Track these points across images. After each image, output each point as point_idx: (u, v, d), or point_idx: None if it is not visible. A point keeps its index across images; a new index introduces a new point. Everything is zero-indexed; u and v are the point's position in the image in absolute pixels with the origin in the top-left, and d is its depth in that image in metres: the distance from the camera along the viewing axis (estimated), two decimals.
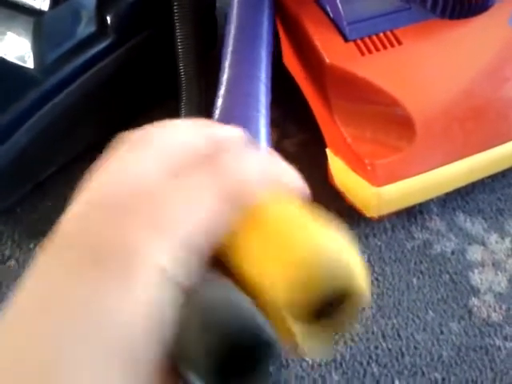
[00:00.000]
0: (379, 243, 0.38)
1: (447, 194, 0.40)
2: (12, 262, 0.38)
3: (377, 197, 0.35)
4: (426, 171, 0.35)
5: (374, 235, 0.39)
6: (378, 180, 0.35)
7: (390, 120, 0.35)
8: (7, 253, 0.38)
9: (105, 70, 0.40)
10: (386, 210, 0.36)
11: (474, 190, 0.41)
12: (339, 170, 0.38)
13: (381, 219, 0.38)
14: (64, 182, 0.42)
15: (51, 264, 0.15)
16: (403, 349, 0.33)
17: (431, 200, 0.40)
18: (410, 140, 0.34)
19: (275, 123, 0.46)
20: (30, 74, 0.37)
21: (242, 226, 0.17)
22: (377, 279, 0.37)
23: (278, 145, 0.45)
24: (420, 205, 0.40)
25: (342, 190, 0.39)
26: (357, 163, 0.35)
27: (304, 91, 0.39)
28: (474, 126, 0.36)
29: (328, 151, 0.38)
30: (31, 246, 0.39)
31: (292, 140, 0.45)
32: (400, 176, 0.35)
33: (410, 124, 0.34)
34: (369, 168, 0.34)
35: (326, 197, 0.41)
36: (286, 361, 0.33)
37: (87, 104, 0.39)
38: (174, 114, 0.45)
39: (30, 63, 0.37)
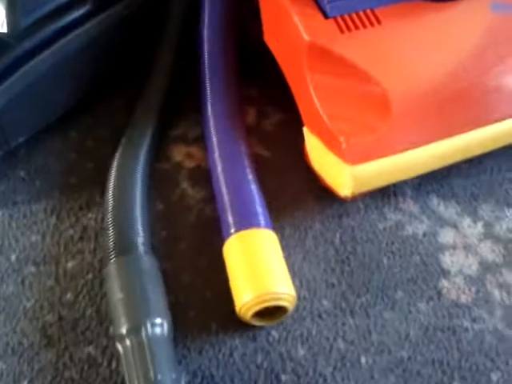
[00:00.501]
0: (352, 223, 0.38)
1: (422, 178, 0.40)
2: None
3: (351, 175, 0.35)
4: (401, 151, 0.35)
5: (348, 215, 0.39)
6: (352, 158, 0.34)
7: (367, 99, 0.35)
8: None
9: (82, 38, 0.39)
10: (360, 188, 0.36)
11: (450, 175, 0.41)
12: (315, 149, 0.38)
13: (354, 199, 0.38)
14: (37, 150, 0.42)
15: None
16: (371, 326, 0.33)
17: (405, 182, 0.40)
18: (386, 119, 0.34)
19: (253, 103, 0.46)
20: (3, 38, 0.36)
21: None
22: (347, 258, 0.36)
23: (257, 125, 0.44)
24: (394, 186, 0.40)
25: (317, 170, 0.39)
26: (332, 141, 0.35)
27: (283, 68, 0.38)
28: (452, 108, 0.36)
29: (304, 130, 0.38)
30: (0, 213, 0.38)
31: (270, 120, 0.45)
32: (375, 155, 0.35)
33: (386, 103, 0.34)
34: (343, 146, 0.34)
35: (303, 178, 0.41)
36: (253, 335, 0.33)
37: (62, 71, 0.39)
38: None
39: (3, 28, 0.36)
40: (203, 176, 0.41)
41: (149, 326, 0.29)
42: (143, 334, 0.29)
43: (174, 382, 0.28)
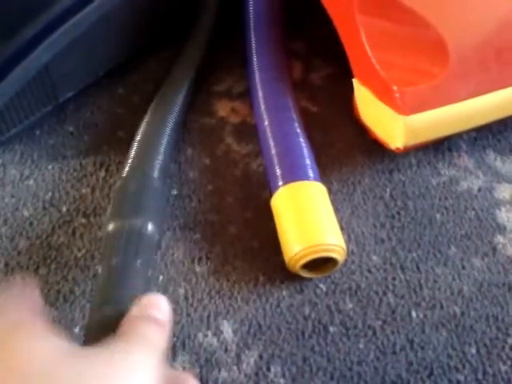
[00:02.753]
0: (403, 178, 0.37)
1: (478, 132, 0.39)
2: (30, 182, 0.38)
3: (404, 126, 0.33)
4: (457, 101, 0.33)
5: (399, 170, 0.37)
6: (405, 108, 0.33)
7: (422, 46, 0.33)
8: (26, 172, 0.38)
9: None
10: (413, 140, 0.35)
11: (507, 129, 0.39)
12: (365, 101, 0.36)
13: (406, 152, 0.37)
14: (85, 106, 0.42)
15: None
16: (422, 281, 0.32)
17: (460, 137, 0.38)
18: (443, 66, 0.33)
19: (300, 57, 0.45)
20: None
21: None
22: (398, 213, 0.35)
23: (304, 78, 0.43)
24: (448, 141, 0.38)
25: (366, 123, 0.38)
26: (384, 91, 0.34)
27: (332, 15, 0.37)
28: (511, 56, 0.34)
29: (354, 81, 0.37)
30: (50, 167, 0.38)
31: (318, 74, 0.43)
32: (430, 105, 0.33)
33: (444, 49, 0.33)
34: (397, 95, 0.33)
35: (351, 132, 0.40)
36: (300, 287, 0.32)
37: (108, 25, 0.39)
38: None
39: None
40: (248, 131, 0.40)
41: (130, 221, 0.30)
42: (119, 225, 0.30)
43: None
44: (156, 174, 0.34)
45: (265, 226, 0.34)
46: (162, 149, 0.35)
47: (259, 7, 0.42)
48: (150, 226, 0.30)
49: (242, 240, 0.34)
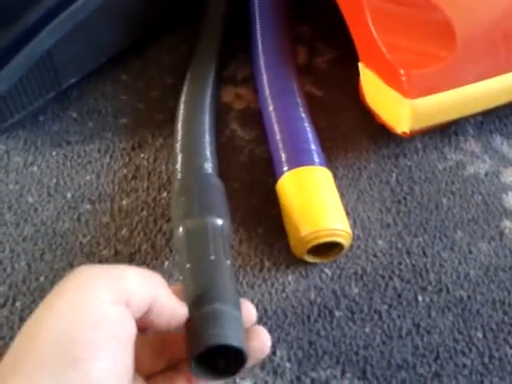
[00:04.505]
0: (409, 163, 0.37)
1: (484, 117, 0.38)
2: (34, 168, 0.37)
3: (410, 110, 0.33)
4: (464, 85, 0.33)
5: (405, 155, 0.37)
6: (412, 92, 0.33)
7: (429, 28, 0.33)
8: (30, 159, 0.38)
9: None
10: (419, 124, 0.34)
11: None
12: (371, 85, 0.36)
13: (412, 136, 0.36)
14: (89, 92, 0.42)
15: None
16: (428, 266, 0.32)
17: (467, 121, 0.38)
18: (450, 50, 0.32)
19: (304, 41, 0.44)
20: None
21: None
22: (404, 198, 0.35)
23: (308, 63, 0.43)
24: (455, 125, 0.38)
25: (372, 107, 0.37)
26: (390, 74, 0.33)
27: None
28: None
29: (360, 65, 0.36)
30: (54, 153, 0.38)
31: (323, 58, 0.43)
32: (436, 88, 0.33)
33: (451, 32, 0.32)
34: (403, 79, 0.33)
35: (356, 117, 0.39)
36: (306, 271, 0.32)
37: (111, 10, 0.38)
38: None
39: None
40: (253, 117, 0.40)
41: (213, 219, 0.29)
42: (206, 222, 0.29)
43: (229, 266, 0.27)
44: (212, 170, 0.34)
45: (270, 211, 0.34)
46: (211, 142, 0.35)
47: None
48: (226, 224, 0.30)
49: (248, 225, 0.34)
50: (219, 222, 0.29)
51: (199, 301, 0.24)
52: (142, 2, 0.41)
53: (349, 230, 0.31)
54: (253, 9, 0.43)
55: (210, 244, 0.27)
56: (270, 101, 0.37)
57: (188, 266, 0.26)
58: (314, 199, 0.31)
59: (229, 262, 0.27)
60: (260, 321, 0.31)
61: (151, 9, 0.42)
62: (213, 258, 0.26)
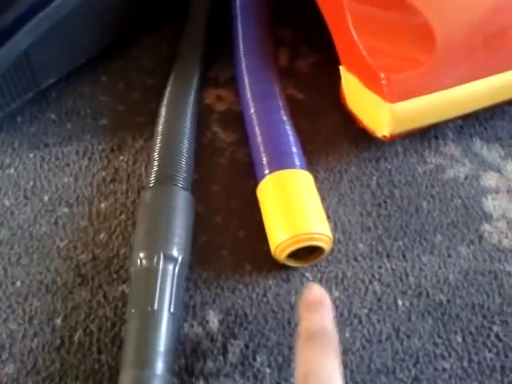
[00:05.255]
0: (389, 166, 0.37)
1: (464, 121, 0.39)
2: (11, 171, 0.37)
3: (390, 114, 0.33)
4: (445, 88, 0.33)
5: (385, 159, 0.37)
6: (393, 96, 0.33)
7: (409, 32, 0.33)
8: (7, 161, 0.37)
9: None
10: (400, 128, 0.34)
11: (494, 117, 0.39)
12: (352, 88, 0.36)
13: (392, 140, 0.36)
14: (68, 94, 0.41)
15: None
16: (408, 270, 0.32)
17: (447, 125, 0.38)
18: (430, 54, 0.32)
19: (286, 44, 0.44)
20: None
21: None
22: (384, 201, 0.35)
23: (290, 66, 0.43)
24: (435, 129, 0.38)
25: (353, 111, 0.37)
26: (371, 78, 0.33)
27: (319, 1, 0.36)
28: (498, 43, 0.34)
29: (341, 68, 0.36)
30: (31, 155, 0.38)
31: (304, 61, 0.43)
32: (416, 92, 0.33)
33: (431, 36, 0.32)
34: (383, 82, 0.33)
35: (338, 120, 0.39)
36: (287, 276, 0.32)
37: (88, 10, 0.38)
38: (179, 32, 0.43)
39: None
40: (234, 119, 0.40)
41: (162, 256, 0.29)
42: (154, 261, 0.29)
43: (171, 315, 0.28)
44: (183, 181, 0.33)
45: (251, 215, 0.34)
46: (189, 149, 0.35)
47: None
48: (183, 257, 0.30)
49: (228, 229, 0.34)
50: (174, 254, 0.29)
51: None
52: (120, 1, 0.40)
53: (329, 233, 0.31)
54: (234, 11, 0.42)
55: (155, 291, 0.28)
56: (251, 103, 0.37)
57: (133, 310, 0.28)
58: (294, 203, 0.31)
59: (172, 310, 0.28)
60: (240, 326, 0.30)
61: (131, 8, 0.42)
62: (155, 308, 0.27)
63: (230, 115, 0.40)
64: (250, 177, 0.36)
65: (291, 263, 0.32)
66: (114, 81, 0.42)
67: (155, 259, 0.29)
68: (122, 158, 0.38)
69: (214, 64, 0.43)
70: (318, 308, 0.26)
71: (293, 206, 0.31)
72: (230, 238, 0.34)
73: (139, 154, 0.38)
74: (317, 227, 0.30)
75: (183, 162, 0.34)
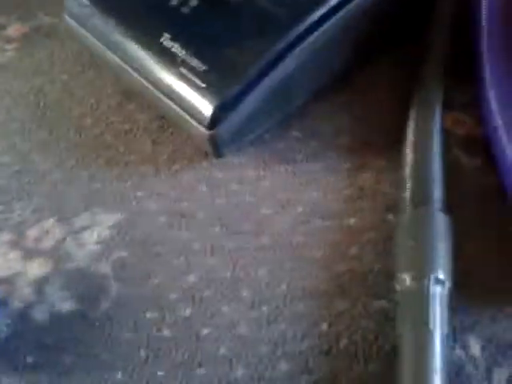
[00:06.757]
0: None
1: None
2: (266, 183, 0.40)
3: None
4: None
5: None
6: None
7: None
8: (261, 173, 0.41)
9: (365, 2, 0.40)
10: None
11: None
12: None
13: None
14: (309, 114, 0.44)
15: None
16: None
17: None
18: None
19: None
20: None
21: None
22: None
23: None
24: None
25: None
26: None
27: None
28: None
29: None
30: (282, 170, 0.41)
31: None
32: None
33: None
34: None
35: None
36: None
37: (346, 35, 0.40)
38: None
39: None
40: (476, 144, 0.40)
41: (432, 279, 0.30)
42: (425, 284, 0.30)
43: (444, 337, 0.29)
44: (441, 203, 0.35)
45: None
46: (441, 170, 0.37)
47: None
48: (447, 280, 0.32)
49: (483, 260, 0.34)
50: (441, 278, 0.31)
51: None
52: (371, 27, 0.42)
53: None
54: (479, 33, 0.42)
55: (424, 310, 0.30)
56: (502, 131, 0.37)
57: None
58: None
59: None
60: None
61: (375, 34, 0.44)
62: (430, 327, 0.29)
63: (470, 140, 0.40)
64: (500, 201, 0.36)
65: None
66: (356, 101, 0.44)
67: (425, 281, 0.30)
68: (365, 175, 0.40)
69: (451, 86, 0.43)
70: None
71: None
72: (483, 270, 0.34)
73: (382, 173, 0.40)
74: None
75: (440, 185, 0.35)
